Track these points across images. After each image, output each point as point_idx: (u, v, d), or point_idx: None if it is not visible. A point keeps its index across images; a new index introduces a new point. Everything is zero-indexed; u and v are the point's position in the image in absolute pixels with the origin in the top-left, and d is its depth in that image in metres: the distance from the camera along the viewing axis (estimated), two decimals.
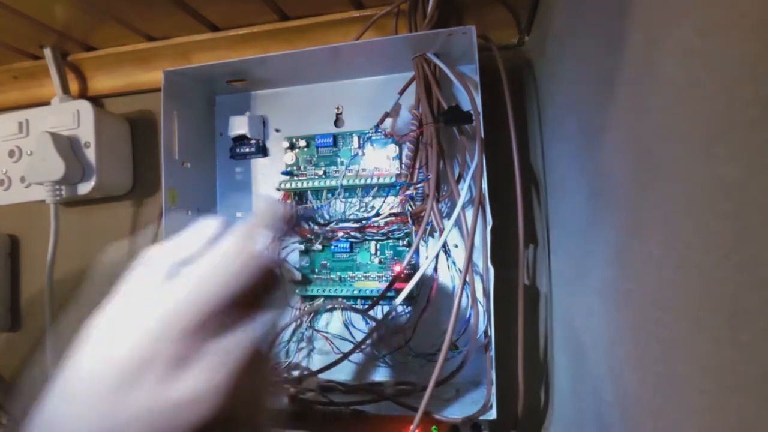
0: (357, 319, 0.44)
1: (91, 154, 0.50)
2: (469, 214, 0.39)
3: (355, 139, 0.45)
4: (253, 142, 0.48)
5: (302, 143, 0.47)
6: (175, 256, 0.22)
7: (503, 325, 0.37)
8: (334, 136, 0.46)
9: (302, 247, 0.46)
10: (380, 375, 0.44)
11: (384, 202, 0.43)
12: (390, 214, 0.43)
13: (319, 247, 0.45)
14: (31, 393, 0.20)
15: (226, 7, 0.46)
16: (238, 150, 0.49)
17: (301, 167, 0.47)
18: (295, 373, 0.44)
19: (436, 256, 0.41)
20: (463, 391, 0.41)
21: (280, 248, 0.24)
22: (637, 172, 0.21)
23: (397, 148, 0.44)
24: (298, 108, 0.48)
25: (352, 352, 0.41)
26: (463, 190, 0.38)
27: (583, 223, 0.31)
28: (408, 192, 0.41)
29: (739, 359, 0.14)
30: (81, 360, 0.20)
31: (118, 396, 0.19)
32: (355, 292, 0.44)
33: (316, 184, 0.43)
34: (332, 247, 0.45)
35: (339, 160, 0.46)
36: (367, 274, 0.45)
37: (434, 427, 0.37)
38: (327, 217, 0.45)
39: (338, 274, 0.46)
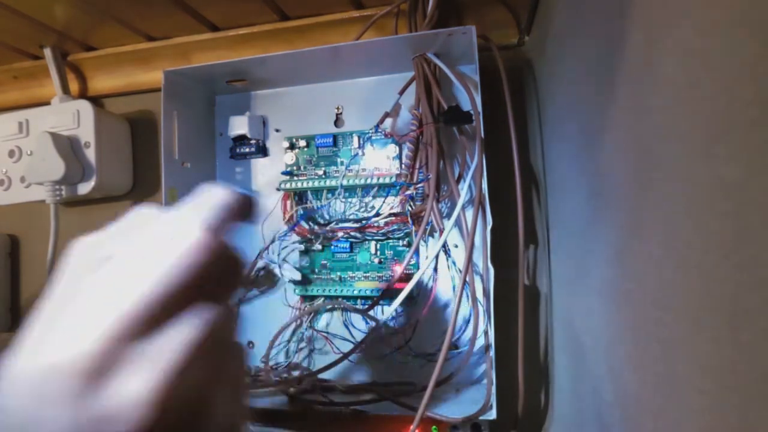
0: (357, 319, 0.44)
1: (91, 154, 0.50)
2: (469, 214, 0.39)
3: (355, 139, 0.45)
4: (253, 142, 0.48)
5: (302, 143, 0.47)
6: (100, 250, 0.19)
7: (503, 325, 0.37)
8: (334, 136, 0.46)
9: (302, 247, 0.46)
10: (380, 375, 0.44)
11: (384, 202, 0.43)
12: (390, 214, 0.43)
13: (319, 247, 0.45)
14: None
15: (226, 7, 0.46)
16: (238, 150, 0.49)
17: (301, 167, 0.47)
18: (295, 373, 0.43)
19: (436, 256, 0.41)
20: (463, 391, 0.41)
21: (231, 235, 0.20)
22: (637, 172, 0.21)
23: (397, 148, 0.44)
24: (298, 108, 0.48)
25: (352, 352, 0.41)
26: (463, 190, 0.38)
27: (583, 223, 0.31)
28: (408, 192, 0.41)
29: (739, 359, 0.14)
30: None
31: (29, 415, 0.17)
32: (355, 292, 0.44)
33: (316, 184, 0.43)
34: (332, 247, 0.45)
35: (339, 160, 0.46)
36: (367, 274, 0.45)
37: (434, 427, 0.37)
38: (327, 217, 0.45)
39: (338, 274, 0.46)
